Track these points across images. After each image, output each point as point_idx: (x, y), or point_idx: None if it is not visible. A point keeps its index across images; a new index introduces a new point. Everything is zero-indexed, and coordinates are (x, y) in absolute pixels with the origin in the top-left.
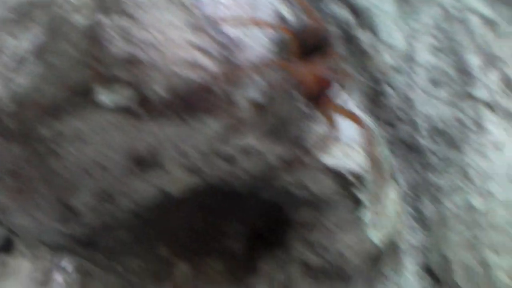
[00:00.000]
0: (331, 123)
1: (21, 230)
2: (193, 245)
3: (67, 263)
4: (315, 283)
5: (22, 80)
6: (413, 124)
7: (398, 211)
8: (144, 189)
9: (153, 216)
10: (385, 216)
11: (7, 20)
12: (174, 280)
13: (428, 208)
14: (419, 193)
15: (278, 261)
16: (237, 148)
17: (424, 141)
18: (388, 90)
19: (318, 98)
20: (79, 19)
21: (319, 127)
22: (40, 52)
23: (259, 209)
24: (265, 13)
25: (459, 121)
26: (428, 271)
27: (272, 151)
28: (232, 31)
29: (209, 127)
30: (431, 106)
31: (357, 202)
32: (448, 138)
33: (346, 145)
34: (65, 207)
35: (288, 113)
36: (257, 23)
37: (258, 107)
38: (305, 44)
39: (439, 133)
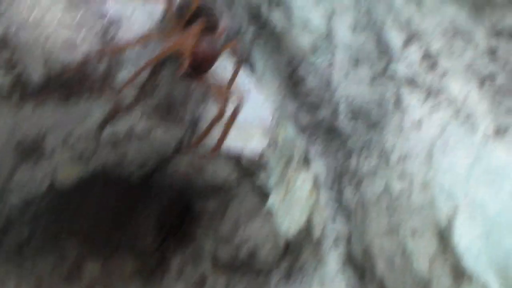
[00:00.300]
0: (221, 103)
1: None
2: (99, 242)
3: None
4: (228, 278)
5: None
6: (333, 107)
7: (312, 199)
8: (30, 180)
9: (48, 210)
10: (295, 203)
11: None
12: (85, 280)
13: (349, 195)
14: (340, 180)
15: (189, 257)
16: (121, 132)
17: (344, 124)
18: (307, 73)
19: (199, 71)
20: None
21: (211, 109)
22: None
23: (163, 200)
24: None
25: (379, 100)
26: (352, 262)
27: (159, 134)
28: (112, 8)
29: (90, 111)
30: (352, 87)
31: (262, 190)
32: (368, 119)
33: (243, 128)
34: None
35: (173, 92)
36: None
37: (140, 86)
38: (184, 16)
39: (359, 114)
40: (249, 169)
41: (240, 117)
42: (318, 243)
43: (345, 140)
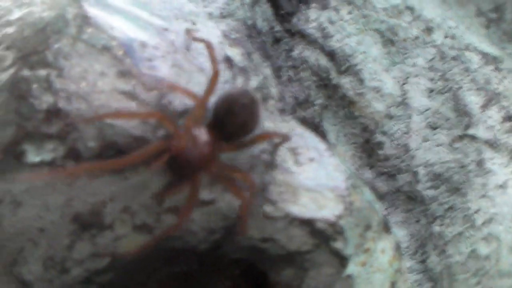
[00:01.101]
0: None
1: None
2: None
3: None
4: None
5: None
6: (412, 173)
7: (394, 266)
8: (91, 252)
9: (112, 284)
10: (376, 271)
11: None
12: None
13: (433, 260)
14: (423, 245)
15: None
16: (183, 199)
17: (425, 190)
18: (383, 139)
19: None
20: (1, 76)
21: (282, 173)
22: None
23: (234, 271)
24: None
25: (460, 164)
26: None
27: (226, 201)
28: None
29: (150, 180)
30: (430, 151)
31: (340, 255)
32: (450, 183)
33: (317, 193)
34: (18, 280)
35: (238, 158)
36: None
37: None
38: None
39: (440, 179)
40: (324, 235)
41: (313, 181)
42: None
43: (427, 206)
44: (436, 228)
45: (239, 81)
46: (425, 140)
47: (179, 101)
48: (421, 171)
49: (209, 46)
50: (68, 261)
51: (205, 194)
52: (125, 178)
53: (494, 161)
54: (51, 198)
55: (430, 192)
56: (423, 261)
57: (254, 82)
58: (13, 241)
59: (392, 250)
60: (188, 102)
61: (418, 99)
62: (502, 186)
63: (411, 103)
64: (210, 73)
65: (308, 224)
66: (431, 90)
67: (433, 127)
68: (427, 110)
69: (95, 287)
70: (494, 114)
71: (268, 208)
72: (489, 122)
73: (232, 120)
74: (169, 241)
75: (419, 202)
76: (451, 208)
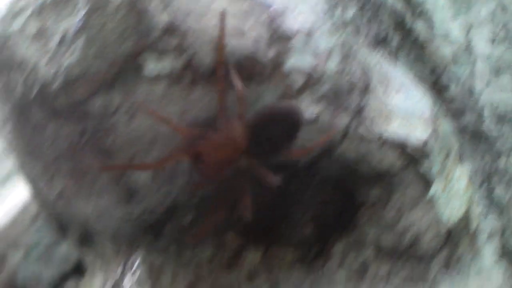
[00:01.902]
0: None
1: (87, 223)
2: (259, 232)
3: (137, 261)
4: (390, 266)
5: (69, 58)
6: (477, 113)
7: (468, 193)
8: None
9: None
10: (454, 195)
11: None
12: (245, 268)
13: (500, 193)
14: (489, 180)
15: (351, 245)
16: None
17: (490, 129)
18: (450, 82)
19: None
20: None
21: (375, 99)
22: (84, 28)
23: (326, 188)
24: None
25: None
26: (507, 255)
27: (327, 119)
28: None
29: (262, 95)
30: (495, 94)
31: (425, 178)
32: None
33: (406, 118)
34: (124, 188)
35: (340, 82)
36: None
37: (308, 76)
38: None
39: (505, 119)
40: (413, 157)
41: (403, 108)
42: (474, 236)
43: (492, 143)
44: (502, 164)
45: (338, 12)
46: (489, 84)
47: (288, 25)
48: (486, 112)
49: None
50: (177, 171)
51: (308, 112)
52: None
53: None
54: (166, 110)
55: (495, 132)
56: (488, 194)
57: (350, 13)
58: (125, 149)
59: (466, 178)
60: (296, 27)
61: (482, 46)
62: None
63: (475, 50)
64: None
65: (399, 146)
66: (494, 39)
67: (497, 72)
68: (490, 56)
69: (197, 198)
70: None
71: (363, 130)
72: None
73: (270, 138)
74: None
75: (484, 141)
76: None
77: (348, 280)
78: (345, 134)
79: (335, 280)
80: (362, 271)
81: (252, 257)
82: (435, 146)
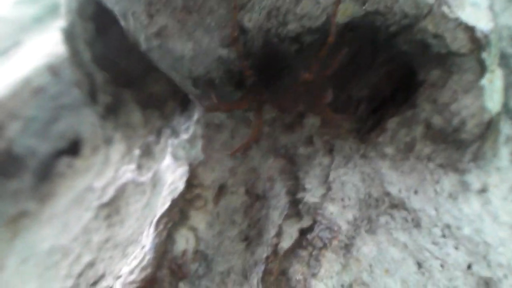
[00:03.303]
0: None
1: (170, 59)
2: (322, 101)
3: (192, 119)
4: (433, 145)
5: None
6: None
7: (502, 93)
8: (313, 11)
9: (312, 43)
10: (496, 90)
11: None
12: (305, 130)
13: None
14: (506, 92)
15: (405, 121)
16: None
17: (506, 48)
18: None
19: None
20: None
21: None
22: None
23: (393, 63)
24: None
25: None
26: None
27: None
28: None
29: None
30: (509, 19)
31: (483, 66)
32: None
33: (475, 7)
34: (238, 26)
35: None
36: None
37: None
38: None
39: None
40: (479, 43)
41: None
42: (498, 134)
43: (508, 61)
44: None
45: None
46: (505, 9)
47: None
48: (505, 32)
49: None
50: (289, 15)
51: None
52: None
53: None
54: None
55: (511, 50)
56: (504, 104)
57: None
58: None
59: (501, 79)
60: None
61: None
62: None
63: None
64: None
65: (471, 30)
66: None
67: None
68: None
69: (297, 46)
70: None
71: (444, 9)
72: None
73: None
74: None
75: (502, 58)
76: None
77: (396, 154)
78: (429, 11)
79: (385, 152)
80: (409, 148)
81: (312, 122)
82: (493, 40)
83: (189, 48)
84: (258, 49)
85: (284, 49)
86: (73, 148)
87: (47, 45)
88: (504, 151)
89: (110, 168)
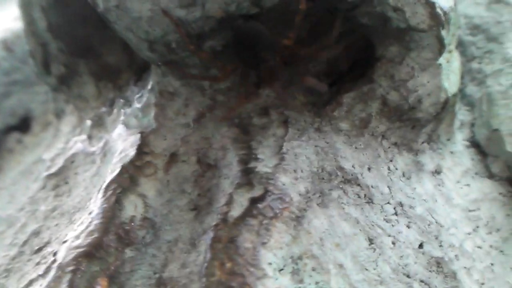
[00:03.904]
0: None
1: (128, 20)
2: (275, 74)
3: (147, 87)
4: (388, 123)
5: None
6: None
7: (459, 76)
8: None
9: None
10: (453, 70)
11: None
12: (261, 100)
13: (472, 89)
14: (461, 77)
15: (362, 96)
16: None
17: (465, 36)
18: None
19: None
20: None
21: None
22: None
23: (350, 37)
24: None
25: (496, 20)
26: (475, 145)
27: None
28: None
29: None
30: (469, 8)
31: (442, 44)
32: (487, 33)
33: None
34: None
35: None
36: None
37: None
38: None
39: (477, 30)
40: (439, 20)
41: None
42: (454, 118)
43: (466, 48)
44: (475, 65)
45: None
46: None
47: None
48: (462, 20)
49: None
50: None
51: None
52: None
53: None
54: None
55: (469, 38)
56: (460, 90)
57: None
58: None
59: (459, 61)
60: None
61: None
62: None
63: None
64: None
65: (431, 5)
66: None
67: None
68: None
69: (257, 10)
70: None
71: None
72: None
73: None
74: None
75: (459, 45)
76: (489, 51)
77: (350, 130)
78: None
79: (339, 127)
80: (364, 124)
81: (267, 93)
82: (454, 17)
83: (147, 8)
84: (215, 11)
85: (244, 12)
86: (23, 125)
87: (4, 21)
88: (458, 136)
89: (60, 140)
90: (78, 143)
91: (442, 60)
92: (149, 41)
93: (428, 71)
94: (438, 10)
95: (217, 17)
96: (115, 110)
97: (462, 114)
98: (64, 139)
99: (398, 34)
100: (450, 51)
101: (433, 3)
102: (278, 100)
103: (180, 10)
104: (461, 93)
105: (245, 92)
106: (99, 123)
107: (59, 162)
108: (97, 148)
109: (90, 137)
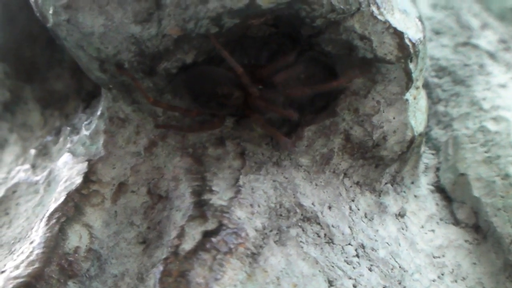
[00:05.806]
0: None
1: (78, 35)
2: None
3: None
4: (351, 160)
5: None
6: None
7: (427, 114)
8: None
9: (231, 32)
10: (420, 108)
11: None
12: (215, 133)
13: (438, 134)
14: (428, 121)
15: (324, 130)
16: None
17: (431, 79)
18: None
19: None
20: None
21: None
22: None
23: (312, 64)
24: None
25: (464, 63)
26: (440, 190)
27: None
28: None
29: None
30: (435, 50)
31: (409, 78)
32: (454, 77)
33: (405, 15)
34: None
35: None
36: None
37: None
38: None
39: (444, 72)
40: (407, 52)
41: (403, 7)
42: (419, 160)
43: (431, 90)
44: (441, 108)
45: None
46: (430, 40)
47: None
48: (428, 62)
49: None
50: None
51: None
52: None
53: (493, 67)
54: None
55: (435, 80)
56: (426, 133)
57: None
58: None
59: (426, 101)
60: None
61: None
62: (504, 86)
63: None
64: None
65: (399, 36)
66: (435, 5)
67: (437, 32)
68: (431, 19)
69: (216, 29)
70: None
71: (374, 9)
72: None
73: None
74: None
75: (424, 86)
76: (456, 94)
77: (311, 166)
78: (358, 8)
79: (299, 163)
80: (325, 161)
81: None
82: (422, 50)
83: (100, 23)
84: (172, 29)
85: (203, 31)
86: None
87: None
88: (423, 180)
89: (2, 170)
90: (21, 172)
91: (409, 96)
92: (100, 59)
93: (394, 106)
94: (407, 41)
95: (174, 36)
96: (61, 139)
97: (427, 157)
98: (6, 169)
99: (363, 65)
100: (417, 88)
101: (402, 33)
102: (235, 130)
103: (135, 27)
104: (426, 136)
105: (200, 120)
106: (43, 152)
107: (0, 192)
108: (41, 178)
109: (34, 166)
